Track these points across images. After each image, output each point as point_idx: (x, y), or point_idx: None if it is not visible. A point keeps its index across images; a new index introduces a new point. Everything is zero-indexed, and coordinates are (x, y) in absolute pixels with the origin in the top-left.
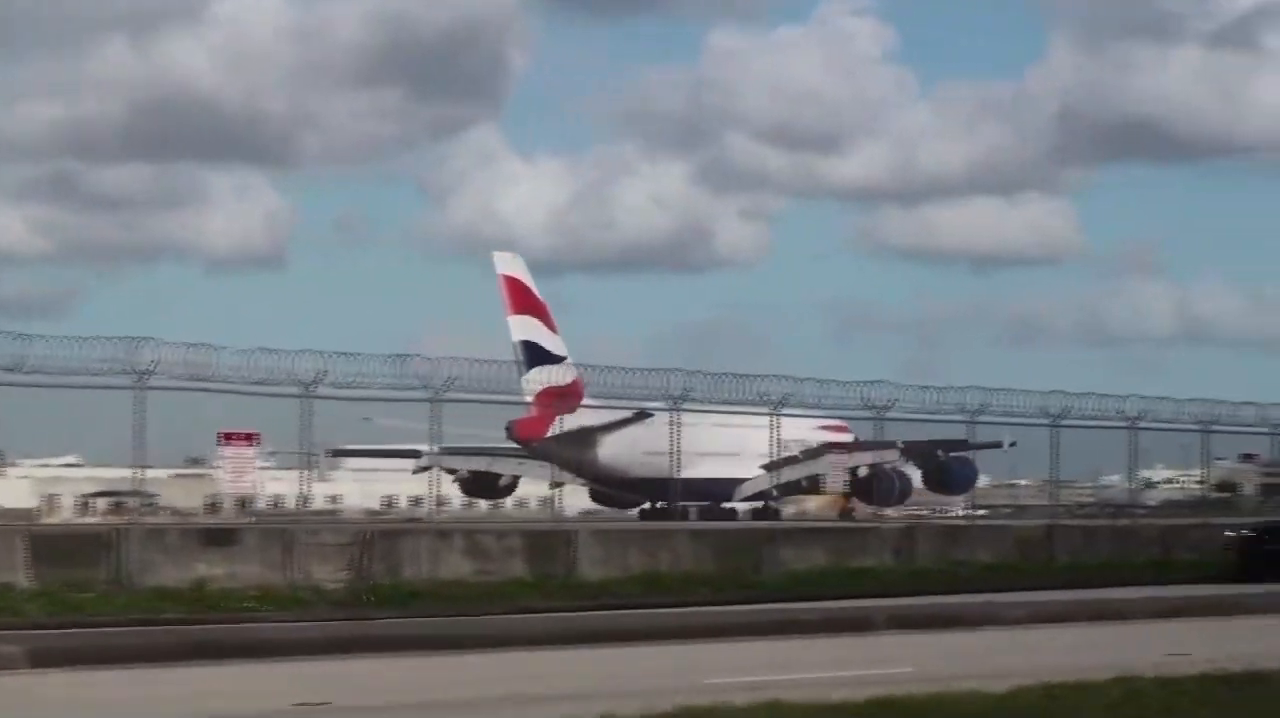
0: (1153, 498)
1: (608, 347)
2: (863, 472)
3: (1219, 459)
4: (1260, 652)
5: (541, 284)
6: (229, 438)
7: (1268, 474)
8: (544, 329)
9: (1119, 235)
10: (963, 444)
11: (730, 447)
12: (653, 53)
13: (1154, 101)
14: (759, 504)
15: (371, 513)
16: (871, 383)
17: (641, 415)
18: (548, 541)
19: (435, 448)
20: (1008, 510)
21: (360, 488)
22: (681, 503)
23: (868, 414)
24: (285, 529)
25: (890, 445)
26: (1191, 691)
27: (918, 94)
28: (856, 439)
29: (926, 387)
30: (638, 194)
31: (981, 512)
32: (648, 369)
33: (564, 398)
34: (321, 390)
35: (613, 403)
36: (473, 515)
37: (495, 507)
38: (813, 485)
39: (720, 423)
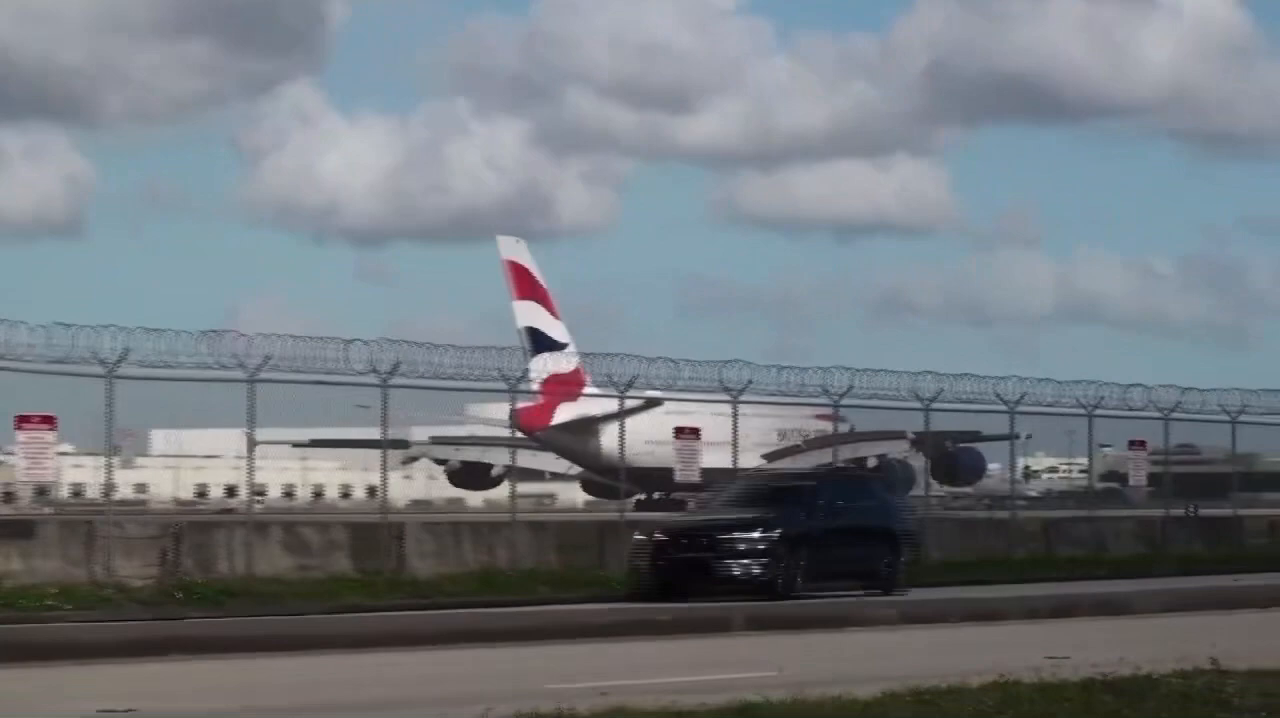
0: (1034, 488)
1: (437, 323)
2: (871, 462)
3: (1104, 447)
4: (1150, 655)
5: (366, 254)
6: (24, 421)
7: (1159, 463)
8: (547, 315)
9: (995, 202)
10: (975, 436)
11: (728, 436)
12: (485, 1)
13: (1032, 56)
14: None
15: (183, 503)
16: (726, 363)
17: (651, 404)
18: (374, 534)
19: (248, 431)
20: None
21: (172, 477)
22: (678, 494)
23: (725, 398)
24: (88, 521)
25: (900, 436)
26: (1073, 696)
27: (775, 47)
28: (853, 429)
29: (786, 367)
30: (471, 156)
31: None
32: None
33: (566, 385)
34: (126, 370)
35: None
36: (293, 506)
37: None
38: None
39: (718, 411)
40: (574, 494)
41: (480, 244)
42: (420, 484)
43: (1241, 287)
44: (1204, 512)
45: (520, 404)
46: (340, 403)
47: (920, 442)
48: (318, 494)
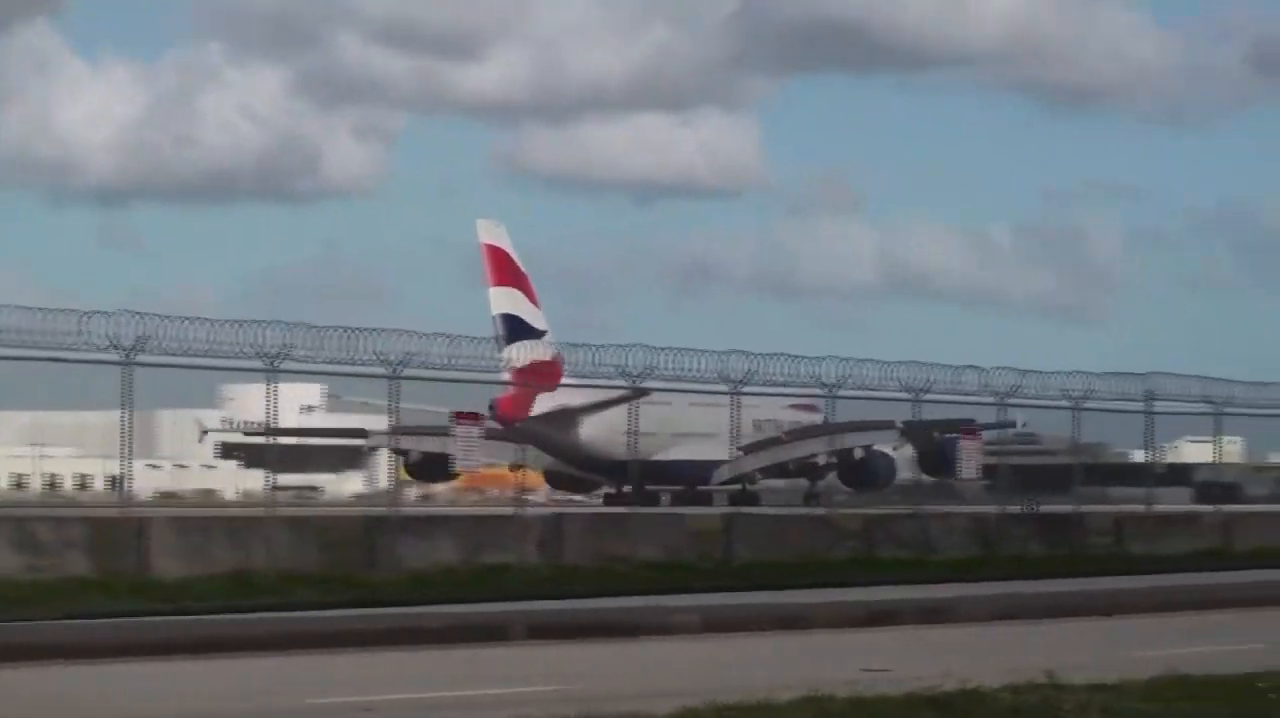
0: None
1: (186, 293)
2: (858, 453)
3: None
4: (980, 667)
5: (106, 215)
6: None
7: (994, 453)
8: (526, 303)
9: (812, 163)
10: (969, 425)
11: (707, 427)
12: None
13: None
14: (736, 488)
15: None
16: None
17: (638, 393)
18: (115, 531)
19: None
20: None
21: None
22: (654, 487)
23: (489, 378)
24: None
25: (888, 426)
26: (892, 713)
27: None
28: (827, 420)
29: (581, 345)
30: (225, 107)
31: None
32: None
33: (543, 376)
34: None
35: (597, 382)
36: (23, 499)
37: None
38: (800, 468)
39: (696, 402)
40: (343, 487)
41: (236, 204)
42: (168, 475)
43: (1086, 257)
44: (1043, 508)
45: (498, 394)
46: (75, 383)
47: (910, 433)
48: (52, 485)
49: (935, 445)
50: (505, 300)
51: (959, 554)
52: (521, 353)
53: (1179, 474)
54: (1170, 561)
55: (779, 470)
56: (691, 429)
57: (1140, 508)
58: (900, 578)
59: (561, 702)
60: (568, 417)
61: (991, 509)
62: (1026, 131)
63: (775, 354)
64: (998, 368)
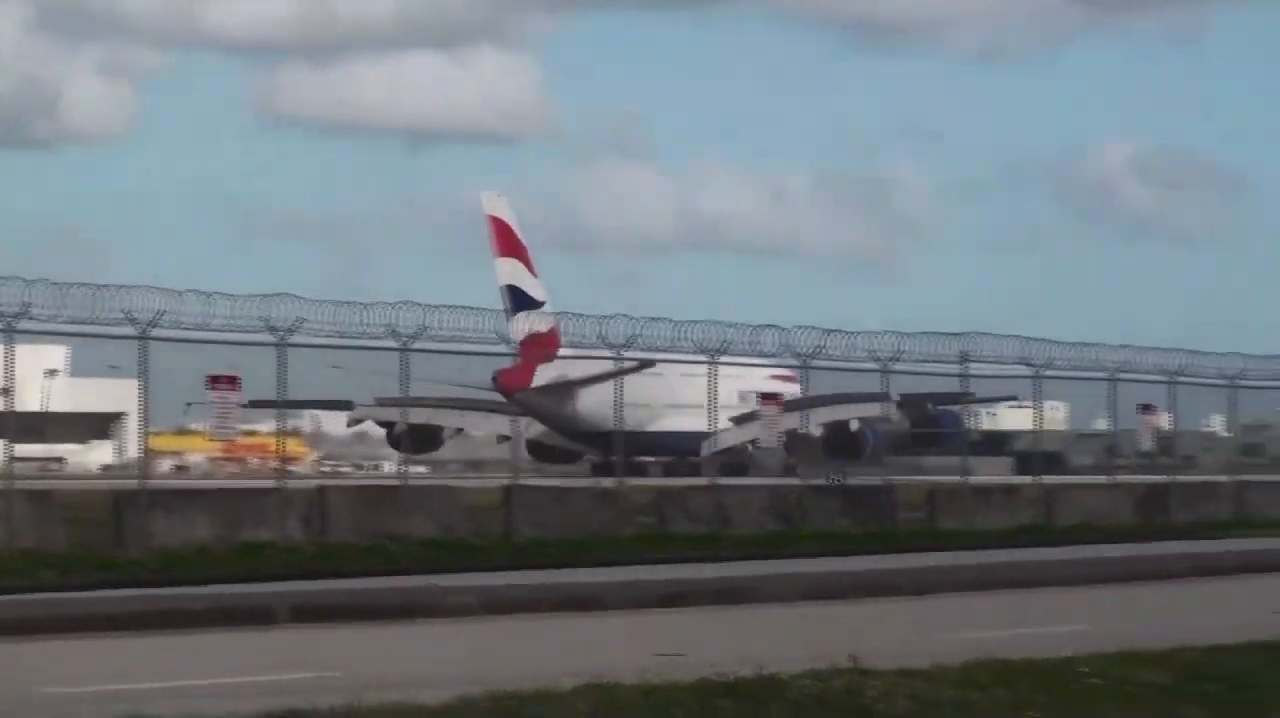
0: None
1: None
2: (854, 425)
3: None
4: (780, 652)
5: None
6: None
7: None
8: (526, 273)
9: (597, 105)
10: (968, 397)
11: (699, 398)
12: None
13: None
14: (726, 459)
15: None
16: (272, 296)
17: (645, 365)
18: None
19: None
20: (456, 467)
21: None
22: (643, 458)
23: (269, 339)
24: None
25: (884, 397)
26: (685, 701)
27: None
28: (805, 393)
29: (346, 302)
30: None
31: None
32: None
33: (543, 346)
34: None
35: (594, 353)
36: None
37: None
38: (793, 439)
39: (687, 373)
40: (90, 457)
41: None
42: None
43: (895, 208)
44: (850, 481)
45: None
46: None
47: (905, 404)
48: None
49: (926, 416)
50: (508, 272)
51: (758, 530)
52: (521, 324)
53: (997, 443)
54: (987, 536)
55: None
56: (682, 401)
57: (955, 480)
58: (695, 556)
59: (326, 691)
60: (566, 388)
61: (794, 483)
62: (831, 71)
63: (559, 313)
64: (799, 327)
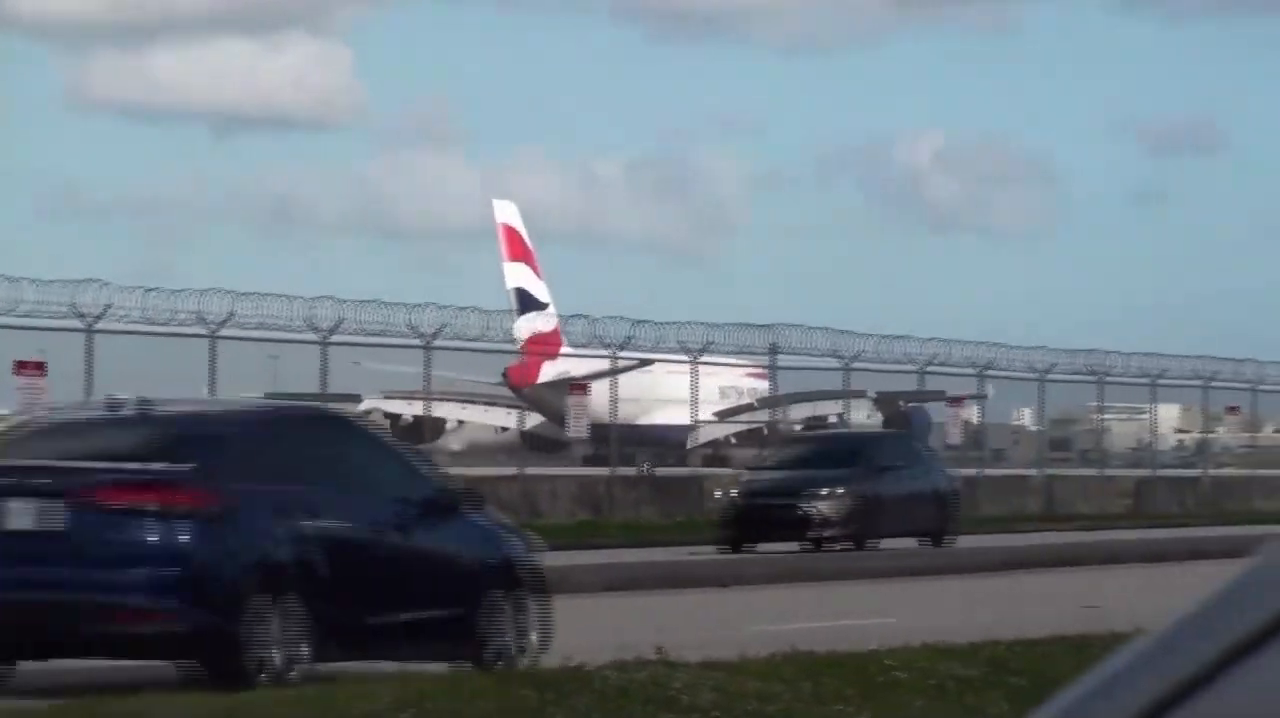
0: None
1: None
2: (833, 420)
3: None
4: (585, 642)
5: None
6: None
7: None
8: (533, 277)
9: (408, 93)
10: (938, 395)
11: (684, 394)
12: None
13: None
14: (709, 453)
15: None
16: (80, 282)
17: (644, 363)
18: None
19: None
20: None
21: None
22: (631, 449)
23: (74, 325)
24: None
25: (861, 394)
26: (488, 691)
27: None
28: (775, 391)
29: (152, 289)
30: None
31: None
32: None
33: (545, 345)
34: None
35: (596, 353)
36: None
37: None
38: (774, 434)
39: (673, 371)
40: None
41: None
42: None
43: (707, 199)
44: (660, 471)
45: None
46: None
47: (879, 401)
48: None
49: (899, 414)
50: (517, 275)
51: (566, 520)
52: (525, 324)
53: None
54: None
55: (751, 435)
56: (670, 396)
57: None
58: None
59: None
60: (566, 384)
61: (602, 472)
62: (642, 60)
63: (369, 301)
64: (609, 317)
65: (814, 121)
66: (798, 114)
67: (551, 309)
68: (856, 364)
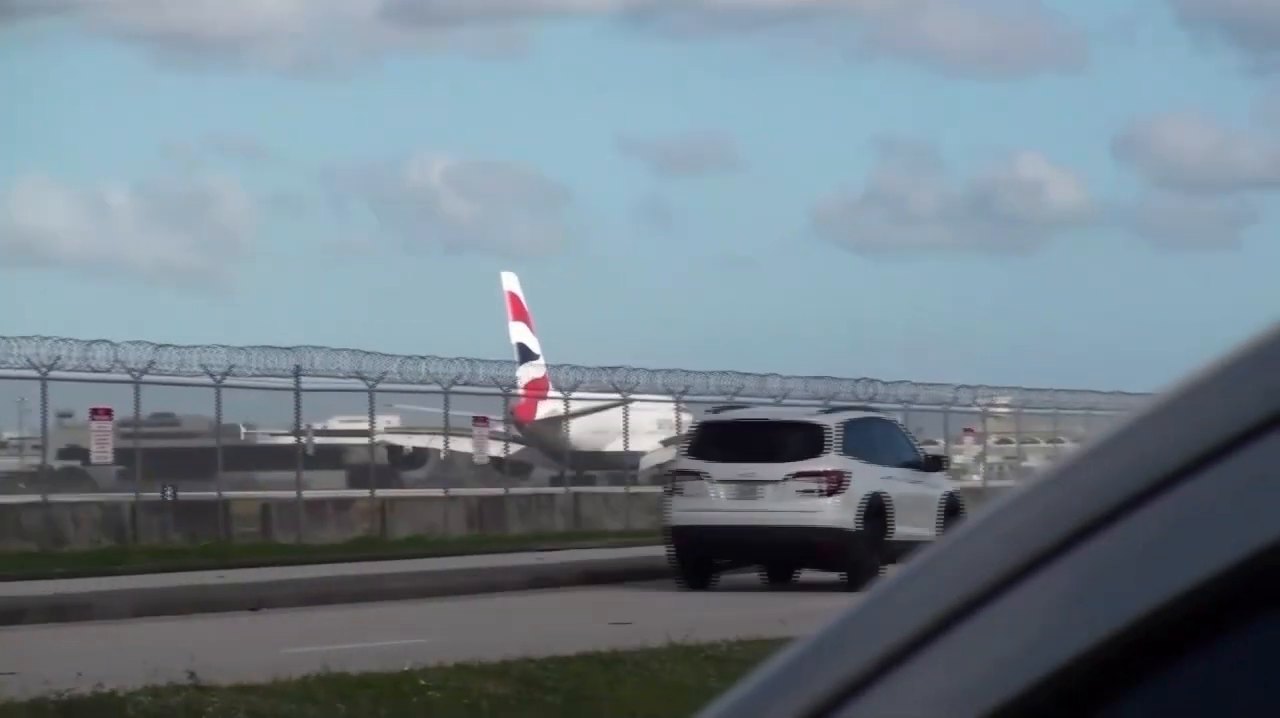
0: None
1: None
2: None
3: (65, 416)
4: (118, 669)
5: None
6: None
7: (130, 435)
8: (529, 333)
9: None
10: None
11: (634, 426)
12: None
13: None
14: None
15: None
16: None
17: (622, 402)
18: None
19: None
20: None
21: None
22: (592, 472)
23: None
24: None
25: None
26: None
27: None
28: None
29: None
30: None
31: None
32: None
33: (538, 389)
34: None
35: (577, 396)
36: None
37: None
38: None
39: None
40: None
41: None
42: None
43: (217, 223)
44: (184, 495)
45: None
46: None
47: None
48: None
49: None
50: (519, 333)
51: (93, 546)
52: (524, 372)
53: (332, 457)
54: (322, 550)
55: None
56: (628, 428)
57: (290, 494)
58: (25, 573)
59: None
60: (556, 420)
61: (127, 497)
62: (143, 84)
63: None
64: (131, 342)
65: (321, 144)
66: (304, 137)
67: (541, 360)
68: (381, 386)
